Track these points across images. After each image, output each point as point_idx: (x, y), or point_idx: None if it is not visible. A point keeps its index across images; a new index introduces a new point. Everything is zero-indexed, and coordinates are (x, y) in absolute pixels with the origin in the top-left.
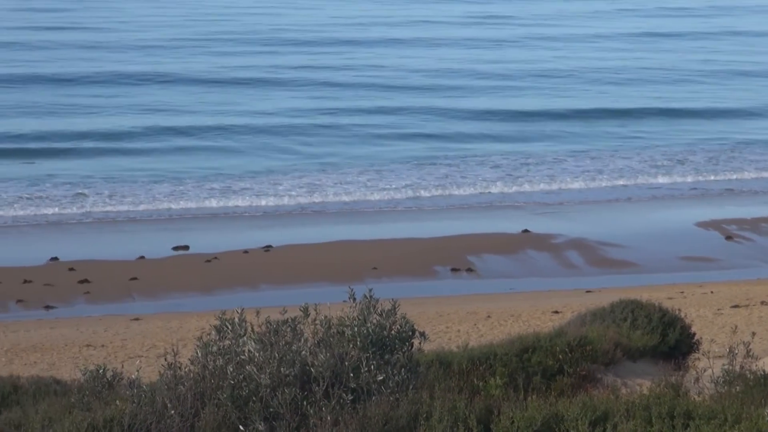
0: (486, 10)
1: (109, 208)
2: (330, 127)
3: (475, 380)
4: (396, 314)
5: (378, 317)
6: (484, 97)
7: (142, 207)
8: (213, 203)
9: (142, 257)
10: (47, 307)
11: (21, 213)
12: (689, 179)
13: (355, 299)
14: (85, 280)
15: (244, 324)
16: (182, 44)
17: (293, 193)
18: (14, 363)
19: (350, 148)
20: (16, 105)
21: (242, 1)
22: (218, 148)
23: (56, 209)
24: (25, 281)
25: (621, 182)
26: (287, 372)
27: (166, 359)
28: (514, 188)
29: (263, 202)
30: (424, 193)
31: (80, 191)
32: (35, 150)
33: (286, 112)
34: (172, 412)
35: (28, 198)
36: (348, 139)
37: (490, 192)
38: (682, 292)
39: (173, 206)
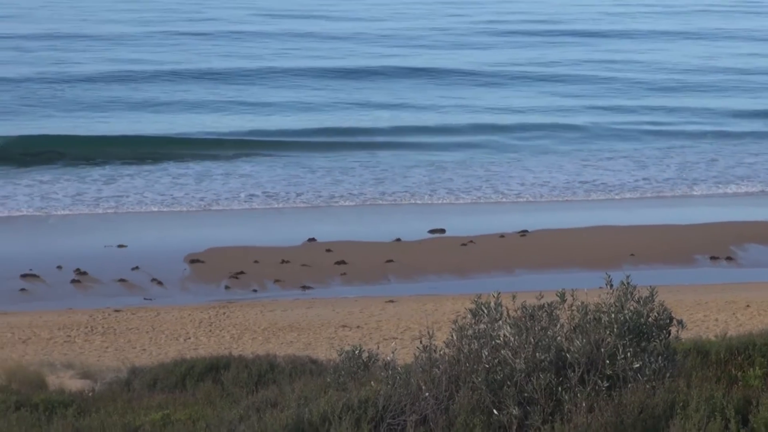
0: None
1: (369, 190)
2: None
3: (732, 370)
4: (653, 301)
5: (635, 304)
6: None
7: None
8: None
9: (399, 239)
10: (304, 288)
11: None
12: None
13: (611, 285)
14: (342, 262)
15: (499, 308)
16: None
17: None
18: (271, 342)
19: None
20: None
21: None
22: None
23: (311, 194)
24: (283, 261)
25: None
26: (542, 357)
27: (421, 342)
28: None
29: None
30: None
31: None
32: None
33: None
34: (427, 394)
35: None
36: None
37: None
38: None
39: (433, 193)
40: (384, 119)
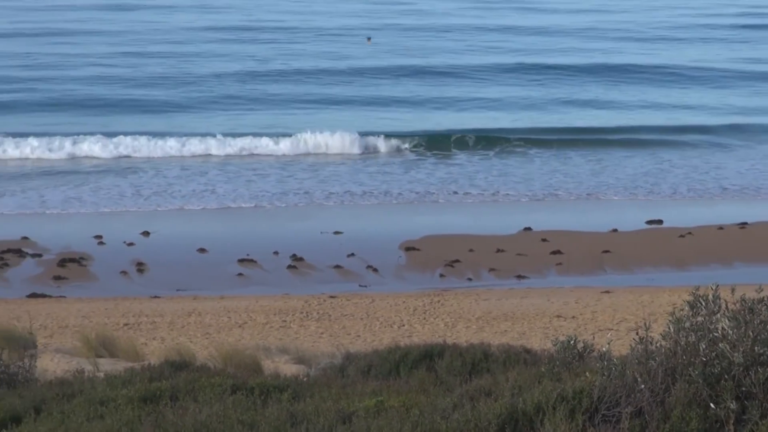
0: None
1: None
2: None
3: None
4: None
5: None
6: None
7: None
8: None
9: (615, 230)
10: (519, 277)
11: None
12: None
13: None
14: (558, 251)
15: (718, 301)
16: None
17: None
18: (485, 330)
19: None
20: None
21: None
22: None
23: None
24: (498, 250)
25: None
26: (761, 351)
27: (637, 333)
28: None
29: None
30: None
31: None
32: None
33: None
34: (642, 386)
35: None
36: None
37: None
38: None
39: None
40: (608, 118)
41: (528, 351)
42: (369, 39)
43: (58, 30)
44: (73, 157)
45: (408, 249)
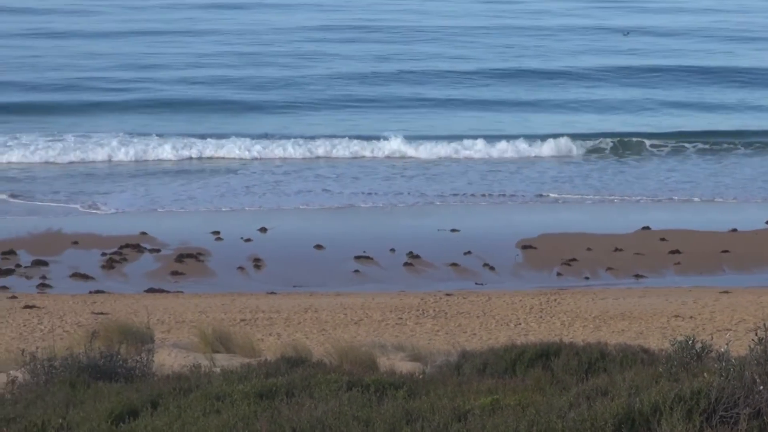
0: None
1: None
2: None
3: None
4: None
5: None
6: None
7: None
8: None
9: (734, 230)
10: (637, 276)
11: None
12: None
13: None
14: (676, 251)
15: None
16: None
17: None
18: (602, 330)
19: None
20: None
21: None
22: None
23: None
24: (616, 249)
25: None
26: None
27: (756, 334)
28: None
29: None
30: None
31: None
32: None
33: None
34: (761, 387)
35: None
36: None
37: None
38: None
39: None
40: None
41: (645, 351)
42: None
43: (170, 30)
44: (199, 158)
45: (525, 247)
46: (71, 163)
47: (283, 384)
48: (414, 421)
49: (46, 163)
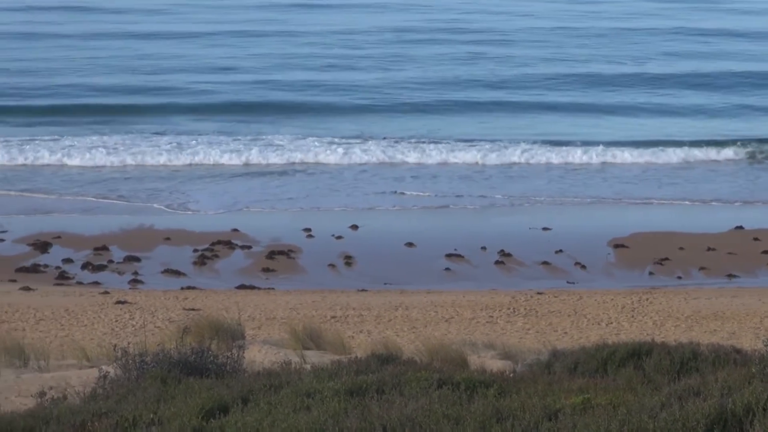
0: None
1: None
2: None
3: None
4: None
5: None
6: None
7: None
8: None
9: None
10: (729, 276)
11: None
12: None
13: None
14: None
15: None
16: None
17: None
18: (694, 330)
19: None
20: None
21: None
22: None
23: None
24: (709, 249)
25: None
26: None
27: None
28: None
29: None
30: None
31: None
32: None
33: None
34: None
35: None
36: None
37: None
38: None
39: None
40: None
41: (738, 351)
42: None
43: (257, 32)
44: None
45: (617, 246)
46: (190, 165)
47: (373, 381)
48: (504, 419)
49: (164, 165)
